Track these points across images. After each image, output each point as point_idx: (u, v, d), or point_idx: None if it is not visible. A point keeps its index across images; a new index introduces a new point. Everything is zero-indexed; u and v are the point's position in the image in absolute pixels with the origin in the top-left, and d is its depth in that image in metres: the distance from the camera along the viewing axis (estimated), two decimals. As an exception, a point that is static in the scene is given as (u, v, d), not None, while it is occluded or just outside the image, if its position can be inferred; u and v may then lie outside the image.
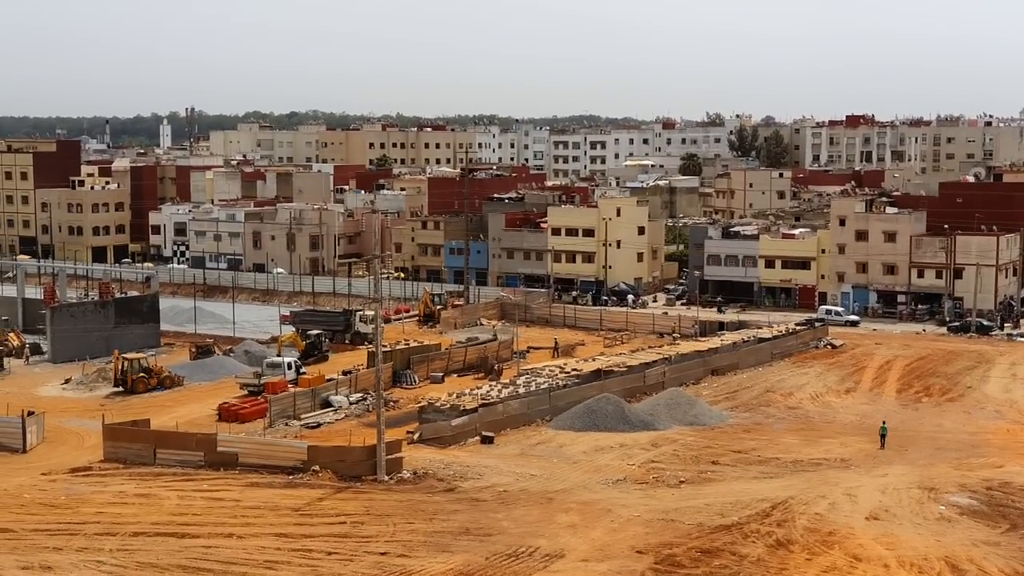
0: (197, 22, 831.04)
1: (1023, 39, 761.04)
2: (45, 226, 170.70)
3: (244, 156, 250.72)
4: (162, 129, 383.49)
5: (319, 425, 72.47)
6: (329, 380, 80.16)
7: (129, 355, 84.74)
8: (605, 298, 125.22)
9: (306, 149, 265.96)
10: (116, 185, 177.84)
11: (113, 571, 46.22)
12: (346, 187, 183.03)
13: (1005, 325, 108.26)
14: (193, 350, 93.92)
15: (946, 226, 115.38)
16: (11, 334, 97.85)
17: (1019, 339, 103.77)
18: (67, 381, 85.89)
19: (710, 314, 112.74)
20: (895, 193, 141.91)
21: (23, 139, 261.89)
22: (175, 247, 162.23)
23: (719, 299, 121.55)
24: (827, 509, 54.34)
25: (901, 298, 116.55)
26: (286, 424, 72.14)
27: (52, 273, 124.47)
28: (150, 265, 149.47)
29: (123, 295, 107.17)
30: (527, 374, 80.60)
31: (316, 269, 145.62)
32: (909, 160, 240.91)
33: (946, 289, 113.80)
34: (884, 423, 70.41)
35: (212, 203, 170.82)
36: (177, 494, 56.82)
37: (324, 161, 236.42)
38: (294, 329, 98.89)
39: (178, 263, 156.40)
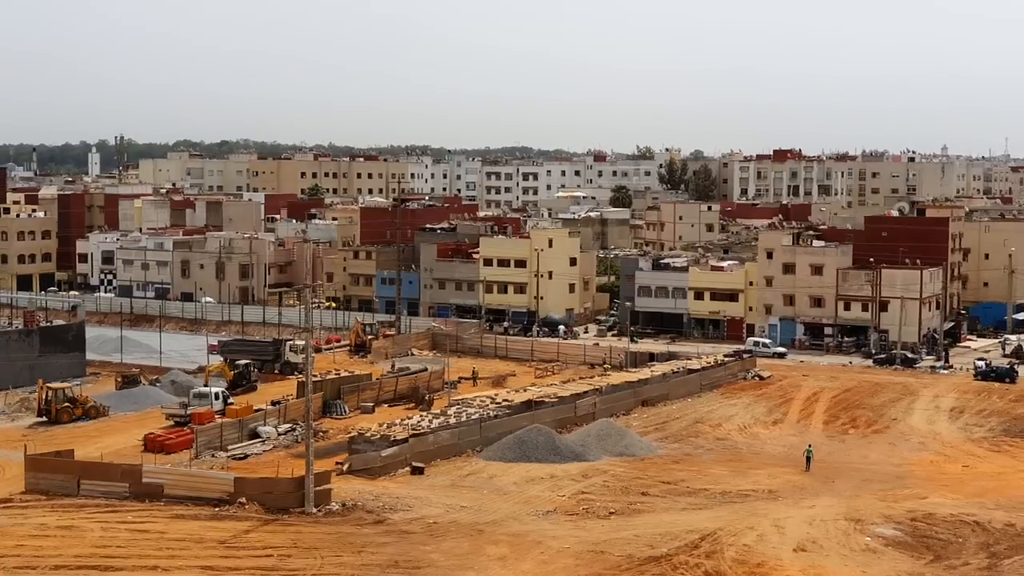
0: (127, 50, 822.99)
1: (944, 77, 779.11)
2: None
3: (174, 185, 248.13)
4: (91, 157, 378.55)
5: (246, 456, 71.64)
6: (257, 410, 79.30)
7: (54, 384, 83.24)
8: (536, 329, 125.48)
9: (237, 178, 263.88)
10: (43, 213, 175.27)
11: (33, 606, 45.20)
12: (277, 216, 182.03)
13: (941, 356, 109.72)
14: (119, 380, 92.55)
15: (871, 259, 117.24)
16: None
17: (942, 371, 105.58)
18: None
19: (639, 345, 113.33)
20: (822, 227, 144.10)
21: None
22: (103, 276, 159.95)
23: (632, 329, 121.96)
24: (755, 540, 54.72)
25: (828, 330, 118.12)
26: (213, 455, 71.17)
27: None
28: (76, 294, 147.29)
29: (48, 323, 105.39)
30: (458, 404, 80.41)
31: (246, 298, 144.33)
32: (835, 194, 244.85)
33: (872, 321, 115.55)
34: (810, 446, 72.93)
35: (140, 231, 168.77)
36: (101, 526, 55.72)
37: (255, 190, 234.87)
38: (222, 359, 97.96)
39: (105, 292, 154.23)
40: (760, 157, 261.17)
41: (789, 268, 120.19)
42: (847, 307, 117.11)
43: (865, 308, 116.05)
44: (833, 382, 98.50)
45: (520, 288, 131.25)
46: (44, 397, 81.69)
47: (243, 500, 59.38)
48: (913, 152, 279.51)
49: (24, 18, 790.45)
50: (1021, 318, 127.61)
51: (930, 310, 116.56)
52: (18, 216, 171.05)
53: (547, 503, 61.39)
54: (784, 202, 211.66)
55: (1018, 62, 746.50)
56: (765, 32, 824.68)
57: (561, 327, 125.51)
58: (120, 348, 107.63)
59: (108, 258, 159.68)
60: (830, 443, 78.15)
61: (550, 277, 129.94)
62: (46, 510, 58.79)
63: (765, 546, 53.95)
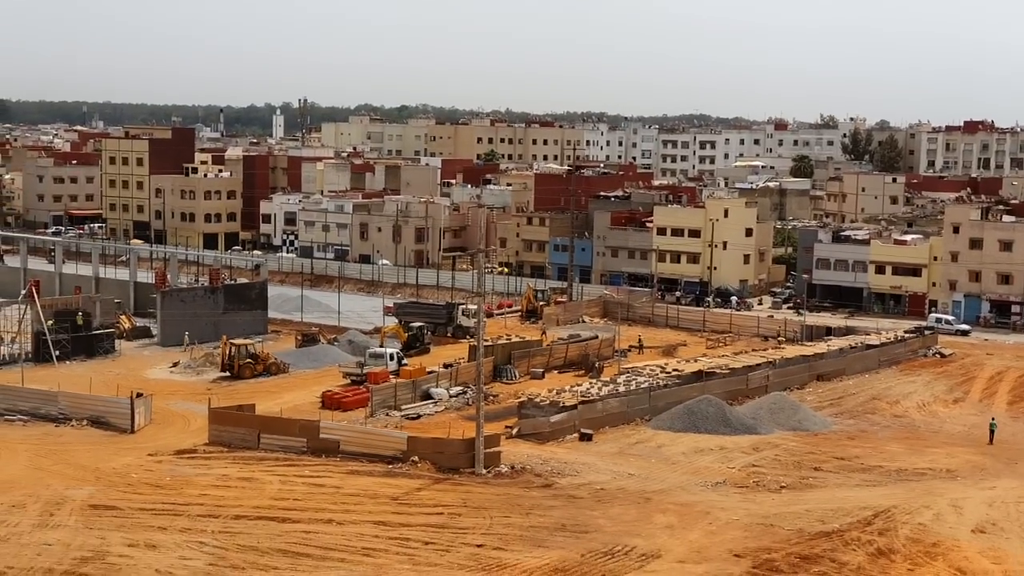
0: (312, 18, 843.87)
1: None
2: (158, 211, 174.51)
3: (354, 148, 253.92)
4: (275, 119, 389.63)
5: (419, 416, 73.02)
6: (430, 372, 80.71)
7: (237, 340, 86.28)
8: (710, 299, 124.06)
9: (415, 142, 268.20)
10: (228, 173, 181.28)
11: (215, 552, 47.06)
12: (453, 181, 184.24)
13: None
14: (299, 338, 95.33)
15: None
16: (122, 317, 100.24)
17: None
18: (175, 365, 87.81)
19: (815, 318, 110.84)
20: (1013, 201, 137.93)
21: (140, 126, 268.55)
22: (285, 236, 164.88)
23: (797, 301, 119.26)
24: (931, 520, 53.13)
25: (1015, 308, 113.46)
26: (387, 414, 72.81)
27: (164, 258, 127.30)
28: (259, 253, 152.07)
29: (232, 281, 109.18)
30: (628, 373, 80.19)
31: (421, 262, 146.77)
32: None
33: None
34: (993, 419, 72.17)
35: (322, 194, 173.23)
36: (279, 479, 57.67)
37: (432, 155, 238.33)
38: (397, 320, 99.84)
39: (287, 252, 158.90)
40: (949, 128, 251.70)
41: (976, 243, 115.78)
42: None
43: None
44: (1019, 362, 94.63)
45: (693, 258, 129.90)
46: (227, 353, 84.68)
47: (415, 459, 60.56)
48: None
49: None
50: None
51: None
52: (205, 176, 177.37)
53: (716, 474, 60.80)
54: (973, 175, 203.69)
55: None
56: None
57: (734, 298, 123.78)
58: (300, 307, 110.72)
59: (290, 219, 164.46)
60: (1014, 424, 75.15)
61: (724, 247, 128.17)
62: (228, 462, 61.16)
63: (941, 526, 52.32)
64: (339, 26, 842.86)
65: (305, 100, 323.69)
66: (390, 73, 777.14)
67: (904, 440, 70.34)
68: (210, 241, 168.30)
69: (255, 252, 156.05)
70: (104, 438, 66.60)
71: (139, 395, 70.15)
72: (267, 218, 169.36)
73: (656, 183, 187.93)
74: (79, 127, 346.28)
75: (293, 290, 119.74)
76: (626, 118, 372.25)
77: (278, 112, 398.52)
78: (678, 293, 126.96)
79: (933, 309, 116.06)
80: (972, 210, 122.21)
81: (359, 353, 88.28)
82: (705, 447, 66.60)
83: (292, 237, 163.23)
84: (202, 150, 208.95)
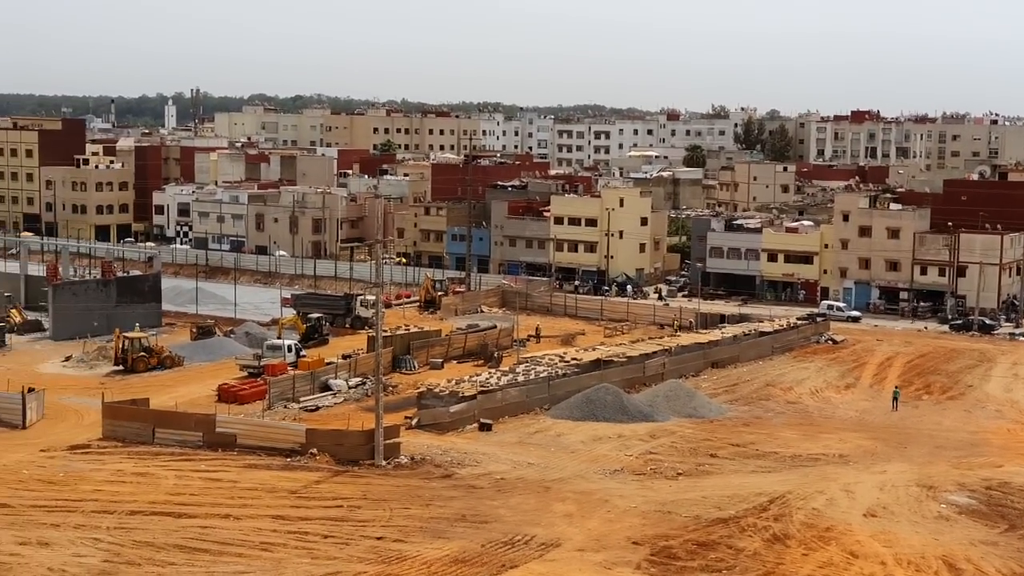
0: (206, 4, 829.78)
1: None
2: (49, 204, 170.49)
3: (248, 139, 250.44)
4: (167, 110, 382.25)
5: (318, 408, 72.45)
6: (329, 364, 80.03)
7: (130, 334, 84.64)
8: (606, 288, 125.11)
9: (310, 133, 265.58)
10: (120, 164, 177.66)
11: (110, 549, 46.18)
12: (350, 171, 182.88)
13: (1021, 323, 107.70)
14: (194, 330, 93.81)
15: (950, 224, 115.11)
16: (13, 310, 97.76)
17: (1021, 338, 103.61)
18: (67, 359, 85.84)
19: (709, 306, 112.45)
20: (899, 190, 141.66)
21: (29, 117, 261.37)
22: (178, 228, 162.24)
23: (670, 290, 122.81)
24: (824, 505, 54.29)
25: (903, 295, 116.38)
26: (285, 406, 72.07)
27: (55, 251, 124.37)
28: (153, 245, 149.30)
29: (125, 274, 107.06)
30: (527, 362, 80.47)
31: (318, 253, 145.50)
32: (914, 157, 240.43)
33: (949, 287, 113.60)
34: (897, 387, 77.76)
35: (216, 184, 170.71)
36: (175, 474, 56.83)
37: (328, 145, 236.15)
38: (295, 312, 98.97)
39: (181, 244, 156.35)
40: (838, 118, 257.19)
41: (865, 231, 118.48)
42: (924, 271, 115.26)
43: (942, 273, 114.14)
44: (908, 347, 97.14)
45: (590, 247, 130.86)
46: (121, 346, 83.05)
47: (314, 451, 60.14)
48: (996, 115, 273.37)
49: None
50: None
51: (1010, 276, 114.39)
52: (96, 167, 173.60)
53: (614, 462, 61.36)
54: (861, 164, 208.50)
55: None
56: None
57: (630, 287, 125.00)
58: (195, 299, 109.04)
59: (184, 210, 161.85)
60: (903, 408, 77.06)
61: (620, 236, 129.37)
62: (122, 457, 60.07)
63: (834, 510, 53.50)
64: (231, 15, 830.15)
65: (197, 90, 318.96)
66: (284, 63, 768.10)
67: (798, 426, 71.73)
68: (102, 233, 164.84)
69: (148, 244, 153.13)
70: (-7, 435, 64.85)
71: (31, 390, 68.34)
72: (160, 209, 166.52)
73: (552, 173, 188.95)
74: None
75: (188, 282, 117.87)
76: (522, 108, 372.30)
77: (170, 102, 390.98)
78: (576, 282, 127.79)
79: (824, 296, 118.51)
80: (861, 198, 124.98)
81: (256, 345, 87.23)
82: (603, 435, 67.16)
83: (186, 228, 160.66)
84: (93, 141, 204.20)
